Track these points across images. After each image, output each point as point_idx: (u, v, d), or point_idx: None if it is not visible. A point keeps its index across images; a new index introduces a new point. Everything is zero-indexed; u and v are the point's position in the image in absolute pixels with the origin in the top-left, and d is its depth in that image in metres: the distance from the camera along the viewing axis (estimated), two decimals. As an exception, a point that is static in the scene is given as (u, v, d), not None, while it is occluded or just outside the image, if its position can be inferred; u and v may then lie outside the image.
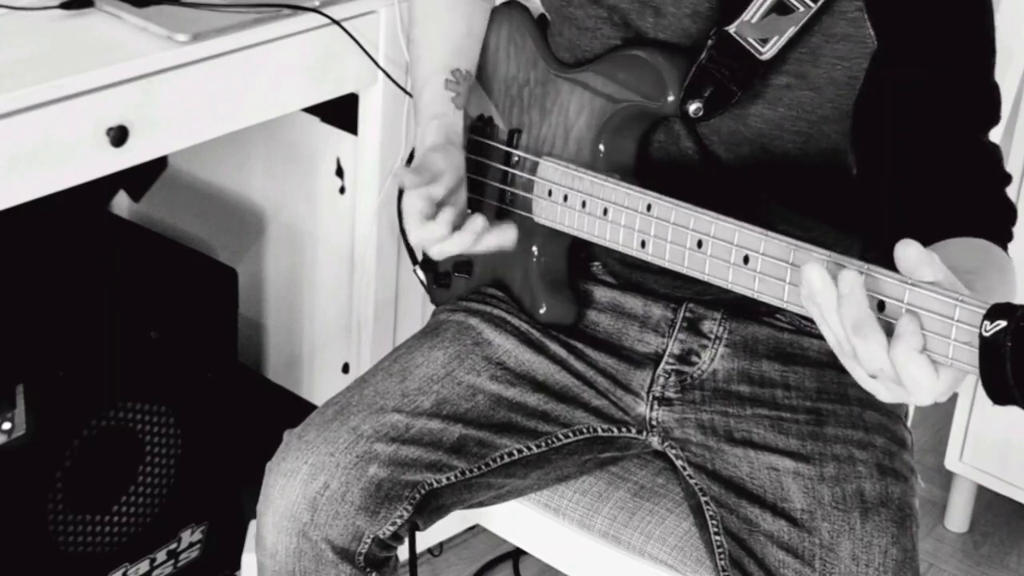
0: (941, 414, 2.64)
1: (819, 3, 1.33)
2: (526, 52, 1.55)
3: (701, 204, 1.28)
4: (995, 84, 1.39)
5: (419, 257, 1.68)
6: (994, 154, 1.38)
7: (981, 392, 2.26)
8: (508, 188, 1.54)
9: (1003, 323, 1.01)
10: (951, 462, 2.35)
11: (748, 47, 1.36)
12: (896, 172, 1.37)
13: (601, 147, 1.45)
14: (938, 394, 1.06)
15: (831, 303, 1.07)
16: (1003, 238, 1.31)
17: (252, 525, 1.53)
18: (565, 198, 1.44)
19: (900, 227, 1.28)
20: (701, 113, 1.38)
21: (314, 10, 1.80)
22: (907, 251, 1.06)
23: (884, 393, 1.09)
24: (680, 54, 1.39)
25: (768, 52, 1.36)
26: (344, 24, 1.83)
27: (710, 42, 1.37)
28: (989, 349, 1.02)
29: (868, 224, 1.39)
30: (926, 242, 1.20)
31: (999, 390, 1.03)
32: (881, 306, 1.09)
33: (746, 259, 1.22)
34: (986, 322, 1.02)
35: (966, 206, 1.33)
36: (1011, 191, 2.02)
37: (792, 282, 1.18)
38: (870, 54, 1.36)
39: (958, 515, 2.44)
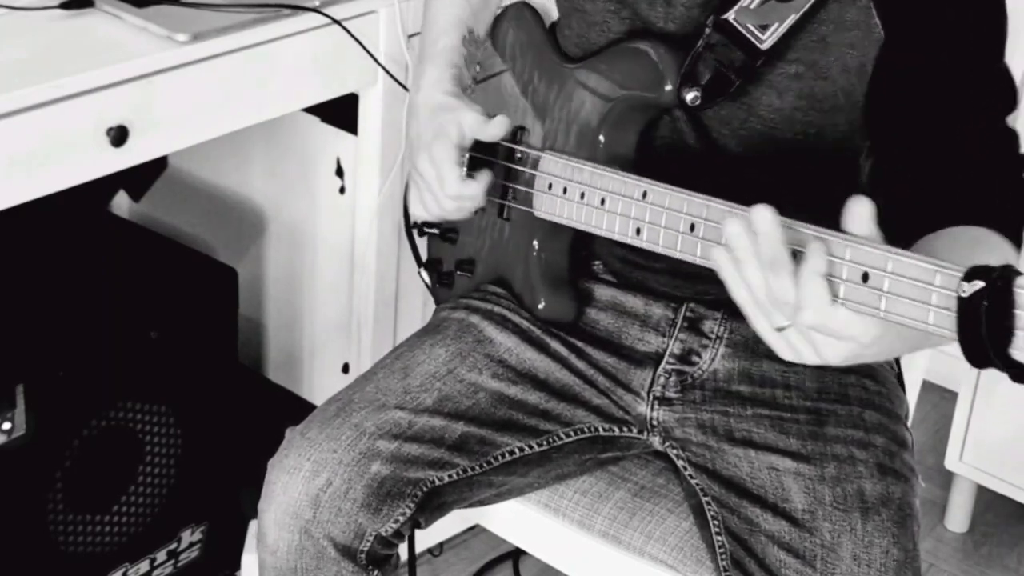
0: (941, 414, 2.64)
1: None
2: (532, 50, 1.55)
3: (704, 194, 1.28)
4: (1007, 69, 1.36)
5: (423, 259, 1.68)
6: (1012, 140, 1.36)
7: (981, 392, 2.26)
8: (511, 184, 1.54)
9: (980, 284, 1.02)
10: (951, 462, 2.34)
11: (747, 34, 1.35)
12: (910, 162, 1.36)
13: (601, 138, 1.45)
14: (828, 318, 1.10)
15: (748, 247, 1.12)
16: (1014, 224, 1.31)
17: (252, 525, 1.53)
18: (565, 190, 1.44)
19: (911, 216, 1.29)
20: (699, 101, 1.38)
21: (314, 10, 1.80)
22: (861, 206, 1.10)
23: (785, 348, 1.15)
24: (677, 44, 1.40)
25: (768, 40, 1.35)
26: (344, 24, 1.83)
27: (707, 30, 1.37)
28: (966, 309, 1.03)
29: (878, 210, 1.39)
30: (933, 228, 1.22)
31: (976, 352, 1.03)
32: (865, 277, 1.10)
33: None
34: (963, 283, 1.03)
35: (979, 193, 1.32)
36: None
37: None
38: (878, 43, 1.36)
39: (958, 515, 2.44)
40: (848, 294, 1.12)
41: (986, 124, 1.35)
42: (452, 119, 1.45)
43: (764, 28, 1.35)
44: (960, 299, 1.03)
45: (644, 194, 1.33)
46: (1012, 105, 1.37)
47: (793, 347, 1.15)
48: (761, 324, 1.15)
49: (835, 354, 1.13)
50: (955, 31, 1.34)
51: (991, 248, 1.26)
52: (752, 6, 1.35)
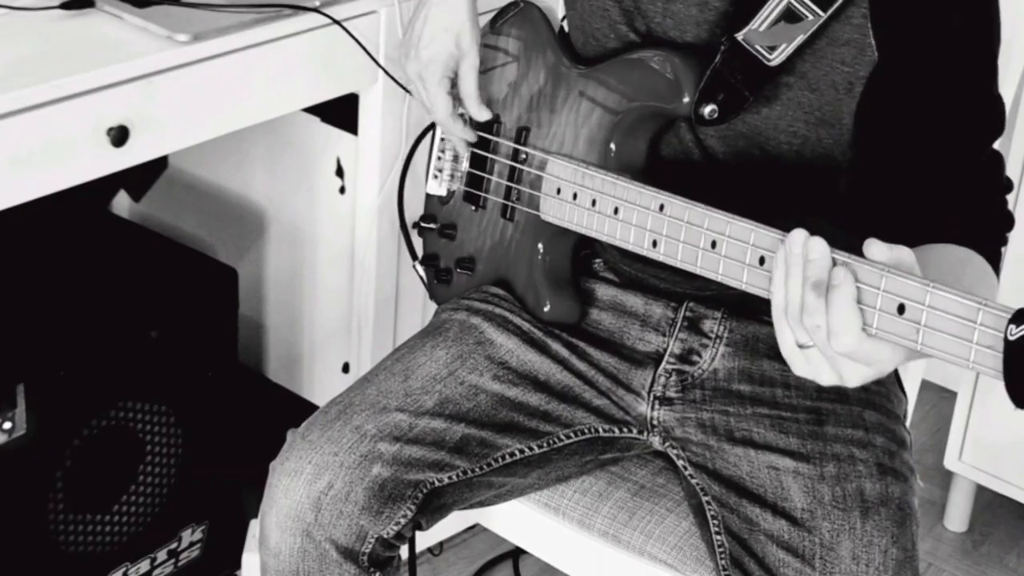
0: (940, 414, 2.64)
1: (829, 12, 1.33)
2: (538, 50, 1.55)
3: (702, 202, 1.28)
4: (998, 96, 1.40)
5: (419, 254, 1.68)
6: (995, 164, 1.39)
7: (980, 392, 2.26)
8: (515, 185, 1.54)
9: None
10: (950, 462, 2.35)
11: (756, 55, 1.36)
12: (895, 179, 1.38)
13: (612, 146, 1.45)
14: (854, 347, 1.13)
15: (800, 263, 1.15)
16: (991, 246, 1.35)
17: (252, 525, 1.53)
18: (574, 196, 1.44)
19: (892, 230, 1.30)
20: (716, 115, 1.39)
21: (314, 10, 1.81)
22: (873, 250, 1.13)
23: (802, 365, 1.18)
24: (694, 57, 1.40)
25: (776, 59, 1.36)
26: (344, 24, 1.83)
27: (723, 47, 1.37)
28: (1014, 353, 1.02)
29: (861, 225, 1.40)
30: (913, 244, 1.24)
31: (1023, 394, 1.03)
32: (901, 309, 1.10)
33: (761, 260, 1.22)
34: (1011, 326, 1.03)
35: (959, 215, 1.35)
36: (1011, 195, 2.02)
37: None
38: (870, 64, 1.37)
39: (958, 515, 2.44)
40: (882, 324, 1.12)
41: (972, 147, 1.38)
42: (453, 58, 1.53)
43: (773, 49, 1.36)
44: (1007, 341, 1.03)
45: (661, 207, 1.33)
46: (999, 130, 1.39)
47: (814, 366, 1.18)
48: (785, 335, 1.18)
49: (858, 377, 1.16)
50: (950, 52, 1.36)
51: (976, 272, 1.30)
52: (762, 28, 1.35)
